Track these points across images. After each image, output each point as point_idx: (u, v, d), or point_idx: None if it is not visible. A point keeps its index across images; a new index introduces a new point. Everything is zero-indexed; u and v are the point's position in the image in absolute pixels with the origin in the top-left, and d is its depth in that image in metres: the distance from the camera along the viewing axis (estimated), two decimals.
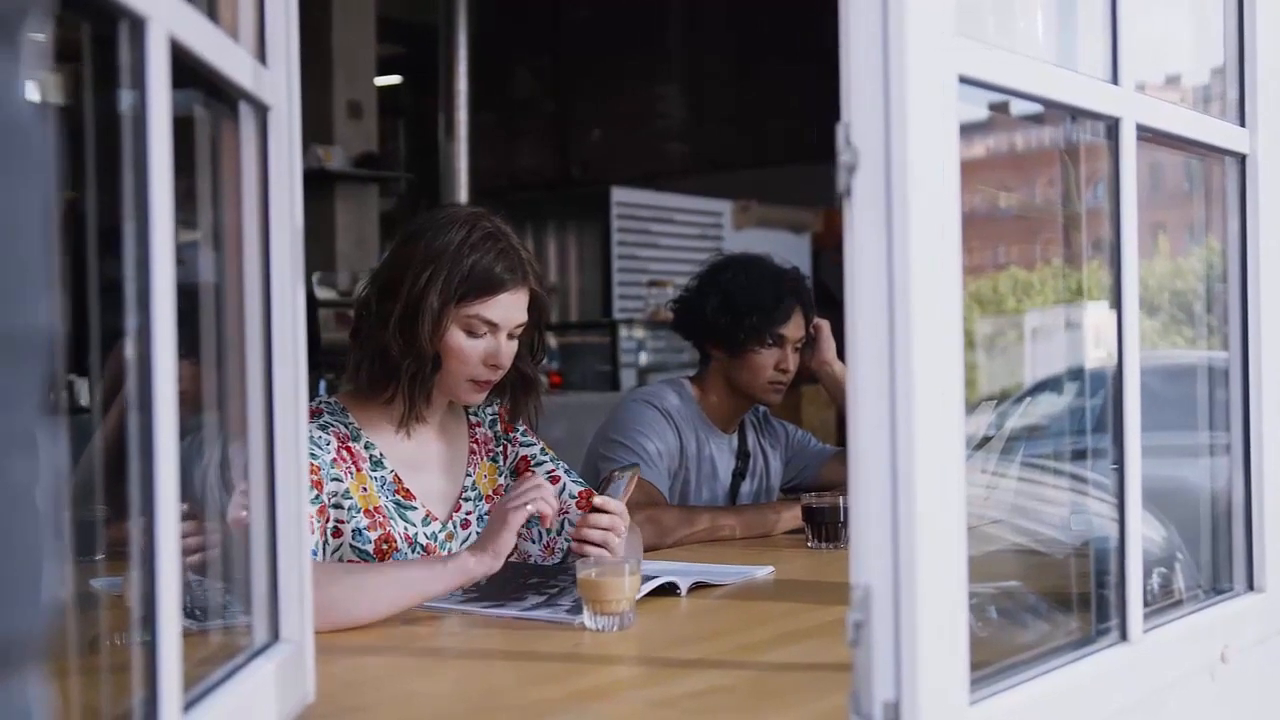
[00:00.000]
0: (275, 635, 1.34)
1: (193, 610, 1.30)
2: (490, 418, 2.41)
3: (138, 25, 0.98)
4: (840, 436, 5.64)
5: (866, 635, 1.16)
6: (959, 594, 1.20)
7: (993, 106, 1.44)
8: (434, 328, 2.16)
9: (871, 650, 1.15)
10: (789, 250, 5.31)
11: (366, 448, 2.21)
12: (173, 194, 1.01)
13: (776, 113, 9.51)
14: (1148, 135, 1.55)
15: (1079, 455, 1.91)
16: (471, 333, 2.19)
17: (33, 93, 0.57)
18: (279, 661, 1.30)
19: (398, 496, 2.21)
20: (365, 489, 2.16)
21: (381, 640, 1.84)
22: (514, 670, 1.70)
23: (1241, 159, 1.77)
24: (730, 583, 2.22)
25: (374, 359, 2.19)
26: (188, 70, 1.09)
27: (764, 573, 2.32)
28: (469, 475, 2.34)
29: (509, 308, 2.20)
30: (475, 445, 2.37)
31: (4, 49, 0.54)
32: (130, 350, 0.99)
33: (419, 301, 2.14)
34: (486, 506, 2.33)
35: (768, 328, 2.94)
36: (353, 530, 2.13)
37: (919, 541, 1.14)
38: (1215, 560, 1.82)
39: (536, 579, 2.11)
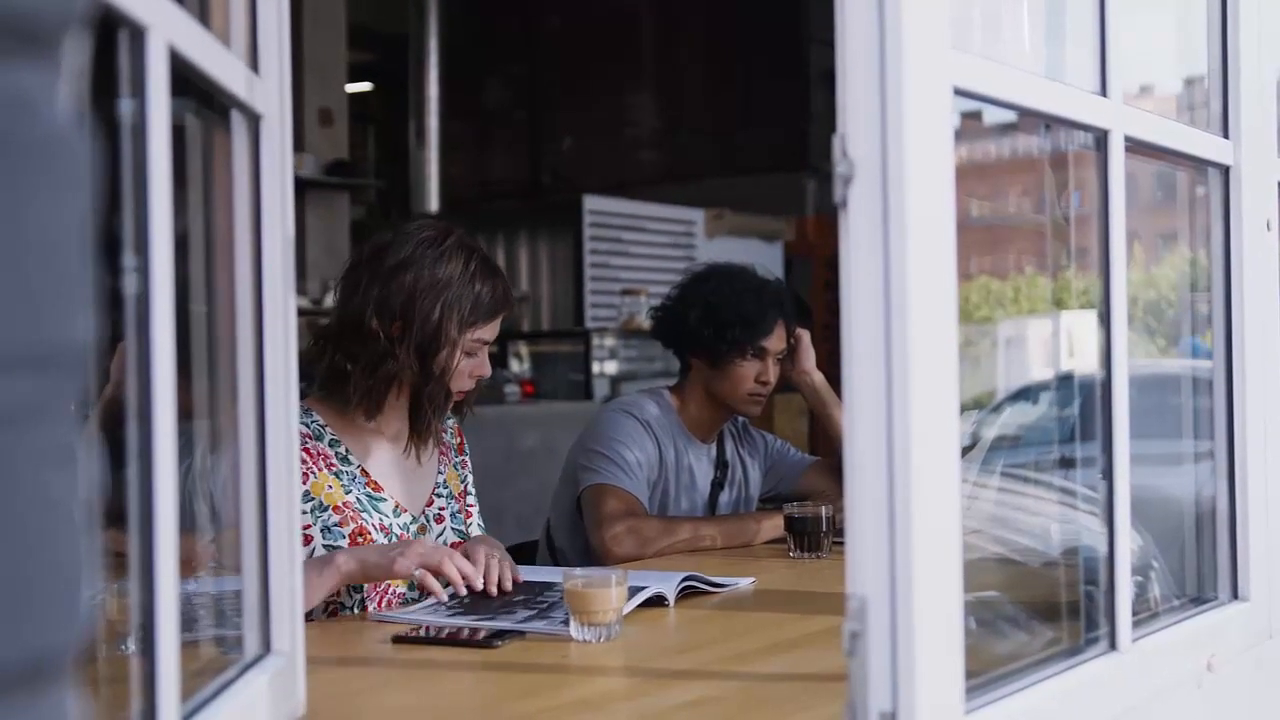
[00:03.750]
0: (267, 648, 1.33)
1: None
2: (450, 429, 2.49)
3: (138, 34, 0.97)
4: (814, 445, 5.64)
5: (862, 645, 1.16)
6: (955, 604, 1.20)
7: (965, 115, 1.44)
8: (450, 357, 2.24)
9: (868, 660, 1.15)
10: (761, 259, 5.31)
11: (331, 445, 2.24)
12: (171, 202, 1.01)
13: (749, 122, 9.53)
14: (1134, 146, 1.56)
15: (1060, 464, 1.92)
16: (470, 354, 2.28)
17: (71, 105, 0.57)
18: (272, 674, 1.29)
19: (368, 489, 2.26)
20: (330, 487, 2.19)
21: (370, 653, 1.83)
22: (503, 682, 1.69)
23: (1225, 170, 1.79)
24: (717, 591, 2.23)
25: (385, 384, 2.24)
26: (180, 78, 1.08)
27: (746, 583, 2.32)
28: (440, 473, 2.41)
29: (499, 325, 2.32)
30: (444, 447, 2.45)
31: (44, 63, 0.54)
32: (128, 359, 0.98)
33: (437, 333, 2.21)
34: (456, 505, 2.41)
35: (751, 340, 2.94)
36: (322, 529, 2.17)
37: (915, 552, 1.14)
38: (1199, 569, 1.83)
39: (522, 595, 2.11)
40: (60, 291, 0.54)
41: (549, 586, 2.15)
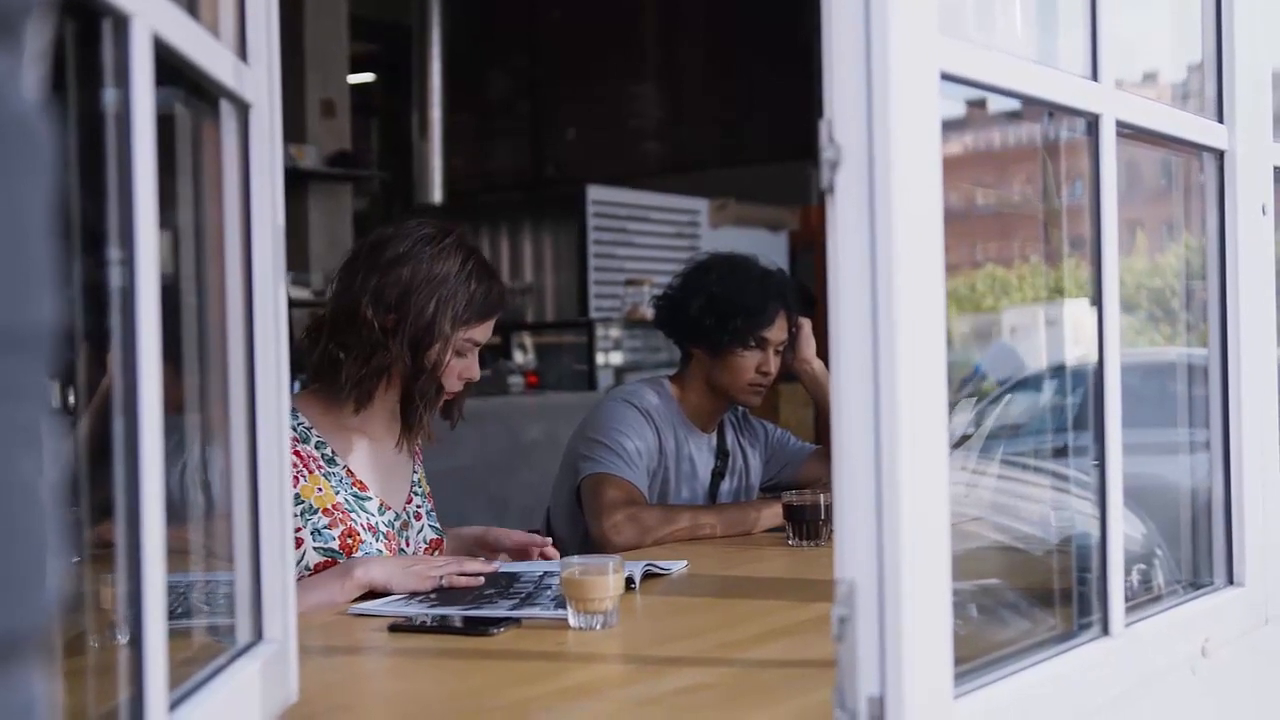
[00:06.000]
0: (259, 635, 1.34)
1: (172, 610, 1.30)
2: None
3: (121, 22, 0.97)
4: (818, 435, 5.63)
5: (851, 630, 1.16)
6: (943, 588, 1.20)
7: (969, 103, 1.44)
8: (442, 353, 2.25)
9: (856, 645, 1.15)
10: (766, 249, 5.28)
11: (317, 447, 2.26)
12: (157, 192, 1.01)
13: (752, 111, 9.52)
14: (1127, 131, 1.55)
15: (1059, 452, 1.92)
16: (460, 354, 2.29)
17: (34, 89, 0.57)
18: (263, 661, 1.29)
19: (354, 489, 2.28)
20: (320, 489, 2.21)
21: (364, 641, 1.83)
22: (497, 669, 1.69)
23: (1220, 155, 1.78)
24: (665, 573, 2.27)
25: (377, 375, 2.25)
26: (167, 67, 1.08)
27: (678, 567, 2.34)
28: (415, 472, 2.44)
29: (491, 328, 2.34)
30: (418, 447, 2.47)
31: (7, 48, 0.54)
32: (114, 352, 0.99)
33: (431, 328, 2.23)
34: (429, 504, 2.45)
35: (752, 331, 2.93)
36: (312, 532, 2.16)
37: (903, 536, 1.14)
38: (1195, 555, 1.83)
39: (492, 590, 2.10)
40: (28, 273, 0.54)
41: (516, 578, 2.16)
